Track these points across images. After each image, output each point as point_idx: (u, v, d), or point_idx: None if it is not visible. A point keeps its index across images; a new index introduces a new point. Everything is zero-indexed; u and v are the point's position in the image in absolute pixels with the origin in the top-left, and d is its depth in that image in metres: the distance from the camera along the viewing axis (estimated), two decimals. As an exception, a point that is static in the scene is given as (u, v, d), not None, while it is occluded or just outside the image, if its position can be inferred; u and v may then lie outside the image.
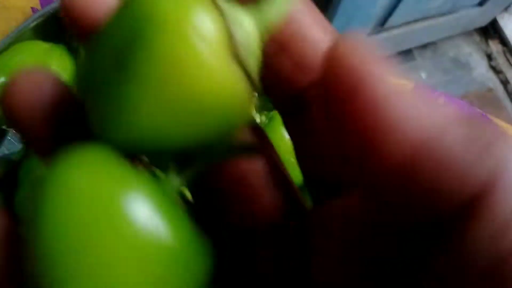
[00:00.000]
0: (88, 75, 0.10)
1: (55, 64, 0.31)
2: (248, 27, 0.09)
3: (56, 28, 0.33)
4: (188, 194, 0.13)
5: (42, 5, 0.36)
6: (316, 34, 0.11)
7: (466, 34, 1.06)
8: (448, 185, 0.07)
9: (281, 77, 0.11)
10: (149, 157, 0.11)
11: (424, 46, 1.02)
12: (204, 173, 0.11)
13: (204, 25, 0.09)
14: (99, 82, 0.10)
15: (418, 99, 0.08)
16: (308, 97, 0.11)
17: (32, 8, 0.36)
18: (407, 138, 0.08)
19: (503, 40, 1.07)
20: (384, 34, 0.88)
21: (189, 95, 0.09)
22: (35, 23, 0.33)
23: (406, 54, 1.00)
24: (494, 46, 1.07)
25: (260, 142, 0.13)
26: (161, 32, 0.09)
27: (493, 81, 1.03)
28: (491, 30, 1.07)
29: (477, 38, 1.07)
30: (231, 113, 0.10)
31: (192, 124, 0.09)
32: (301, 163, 0.13)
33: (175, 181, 0.11)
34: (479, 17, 1.00)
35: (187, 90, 0.09)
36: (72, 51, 0.32)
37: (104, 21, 0.10)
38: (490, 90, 1.00)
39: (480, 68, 1.04)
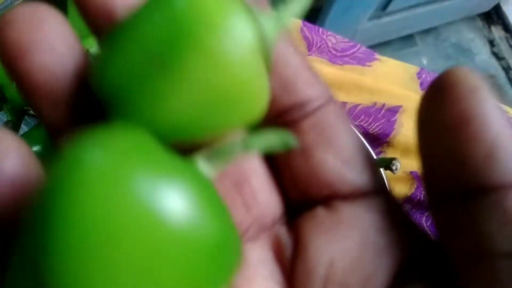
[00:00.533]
0: (112, 70, 0.10)
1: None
2: (268, 30, 0.11)
3: (46, 3, 0.32)
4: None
5: (29, -17, 0.34)
6: (296, 61, 0.13)
7: (469, 19, 1.04)
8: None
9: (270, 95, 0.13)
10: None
11: (426, 31, 1.01)
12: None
13: (244, 31, 0.10)
14: (128, 77, 0.10)
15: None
16: (291, 118, 0.13)
17: (18, -15, 0.34)
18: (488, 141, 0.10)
19: (506, 26, 1.05)
20: (386, 19, 0.87)
21: (226, 94, 0.10)
22: (20, 0, 0.31)
23: (408, 39, 0.99)
24: (497, 32, 1.05)
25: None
26: (204, 37, 0.09)
27: (495, 68, 1.01)
28: (494, 16, 1.06)
29: (479, 23, 1.06)
30: (255, 107, 0.10)
31: (224, 117, 0.10)
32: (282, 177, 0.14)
33: (206, 169, 0.10)
34: (482, 2, 0.98)
35: (224, 91, 0.10)
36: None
37: (125, 15, 0.11)
38: (492, 76, 0.99)
39: (482, 54, 1.02)
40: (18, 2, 0.30)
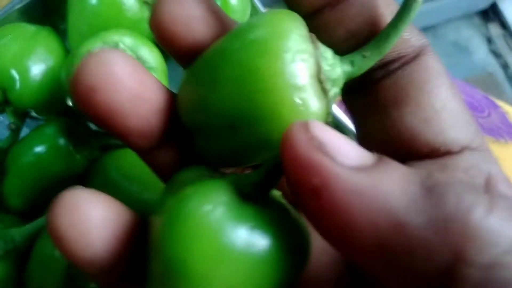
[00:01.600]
0: (193, 109, 0.13)
1: (43, 47, 0.29)
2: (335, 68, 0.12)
3: (44, 9, 0.32)
4: None
5: (29, -14, 0.34)
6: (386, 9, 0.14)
7: (466, 17, 1.04)
8: (420, 261, 0.09)
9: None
10: None
11: (424, 30, 1.01)
12: None
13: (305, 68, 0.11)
14: (205, 120, 0.12)
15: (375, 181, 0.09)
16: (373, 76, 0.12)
17: (18, -11, 0.34)
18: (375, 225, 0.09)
19: (503, 24, 1.05)
20: (383, 18, 0.86)
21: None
22: (21, 4, 0.31)
23: (405, 38, 0.99)
24: (494, 30, 1.05)
25: None
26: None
27: (493, 65, 1.02)
28: (491, 13, 1.06)
29: (477, 21, 1.06)
30: None
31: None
32: None
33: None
34: (480, 0, 0.98)
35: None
36: (60, 33, 0.31)
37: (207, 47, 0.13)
38: (490, 74, 0.99)
39: (480, 52, 1.03)
40: (19, 5, 0.31)
